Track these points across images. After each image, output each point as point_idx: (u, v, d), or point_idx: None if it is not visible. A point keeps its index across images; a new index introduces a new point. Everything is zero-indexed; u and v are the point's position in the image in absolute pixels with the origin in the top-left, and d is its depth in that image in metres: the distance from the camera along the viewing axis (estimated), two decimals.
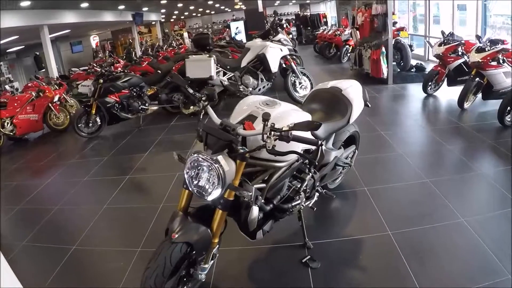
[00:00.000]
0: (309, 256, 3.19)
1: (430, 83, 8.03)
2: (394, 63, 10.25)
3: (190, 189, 2.56)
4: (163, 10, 24.98)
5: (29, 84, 10.90)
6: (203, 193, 2.48)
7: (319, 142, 2.35)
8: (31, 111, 8.69)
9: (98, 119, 8.08)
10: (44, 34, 11.91)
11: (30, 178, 6.49)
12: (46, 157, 7.43)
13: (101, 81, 7.86)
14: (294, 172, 3.02)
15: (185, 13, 31.49)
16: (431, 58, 10.84)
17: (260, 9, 16.61)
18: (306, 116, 2.96)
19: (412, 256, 3.12)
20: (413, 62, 10.78)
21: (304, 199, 3.11)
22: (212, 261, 2.76)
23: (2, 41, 12.75)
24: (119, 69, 10.82)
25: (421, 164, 4.95)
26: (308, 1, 33.10)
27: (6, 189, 6.14)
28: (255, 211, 2.58)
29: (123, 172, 5.81)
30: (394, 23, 10.69)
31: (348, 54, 13.22)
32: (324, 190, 3.71)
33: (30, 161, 7.57)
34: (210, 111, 2.90)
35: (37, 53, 18.08)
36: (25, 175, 6.72)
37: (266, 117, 2.32)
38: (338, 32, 14.65)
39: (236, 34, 20.50)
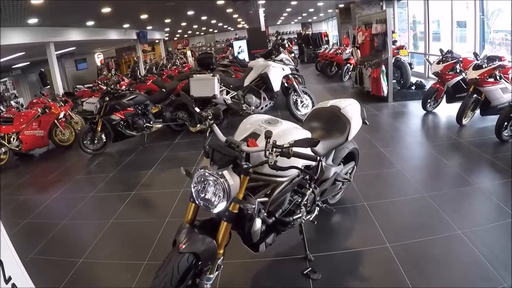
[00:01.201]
0: (310, 268, 3.30)
1: (429, 100, 8.17)
2: (394, 81, 10.42)
3: (197, 202, 2.68)
4: (167, 29, 25.23)
5: (34, 100, 11.02)
6: (209, 206, 2.61)
7: (318, 158, 2.49)
8: (37, 127, 8.82)
9: (103, 136, 8.21)
10: (50, 51, 12.11)
11: (37, 193, 6.61)
12: (52, 173, 7.55)
13: (107, 98, 8.01)
14: (295, 187, 3.16)
15: (188, 31, 31.73)
16: (431, 76, 10.97)
17: (263, 28, 16.80)
18: (306, 134, 3.10)
19: (410, 267, 3.22)
20: (413, 79, 10.95)
21: (305, 213, 3.24)
22: (217, 272, 2.85)
23: (9, 57, 12.92)
24: (124, 87, 10.98)
25: (419, 179, 5.08)
26: (310, 20, 33.40)
27: (13, 203, 6.25)
28: (258, 223, 2.70)
29: (128, 188, 5.93)
30: (394, 42, 10.87)
31: (349, 73, 13.36)
32: (325, 205, 3.81)
33: (36, 176, 7.69)
34: (216, 129, 3.04)
35: (42, 70, 18.29)
36: (32, 189, 6.85)
37: (268, 134, 2.46)
38: (339, 51, 14.83)
39: (239, 53, 20.75)
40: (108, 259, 4.06)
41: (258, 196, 2.79)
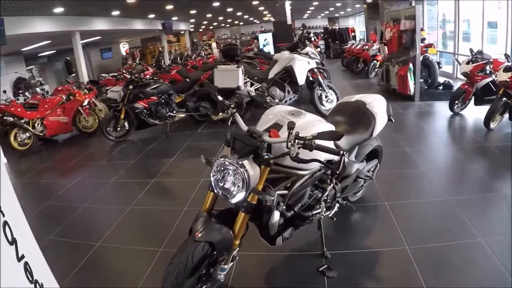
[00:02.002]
0: (326, 265, 3.23)
1: (456, 102, 7.88)
2: (422, 80, 10.18)
3: (216, 191, 2.66)
4: (192, 20, 25.31)
5: (59, 88, 11.16)
6: (228, 195, 2.57)
7: (341, 152, 2.42)
8: (61, 113, 8.95)
9: (126, 124, 8.26)
10: (76, 40, 12.22)
11: (59, 177, 6.70)
12: (75, 158, 7.64)
13: (131, 87, 8.06)
14: (316, 182, 3.09)
15: (213, 23, 31.81)
16: (459, 76, 10.67)
17: (289, 21, 16.69)
18: (330, 127, 3.01)
19: (427, 272, 3.12)
20: (441, 79, 10.69)
21: (324, 209, 3.18)
22: (232, 263, 2.84)
23: (35, 46, 13.08)
24: (148, 76, 11.04)
25: (443, 181, 4.92)
26: (336, 15, 33.15)
27: (35, 186, 6.37)
28: (276, 215, 2.66)
29: (149, 175, 5.94)
30: (423, 40, 10.63)
31: (376, 70, 13.14)
32: (345, 202, 3.74)
33: (59, 160, 7.80)
34: (238, 118, 3.00)
35: (68, 58, 18.53)
36: (54, 173, 6.95)
37: (291, 125, 2.41)
38: (366, 47, 14.62)
39: (264, 45, 20.66)
40: (124, 244, 4.08)
41: (277, 188, 2.73)
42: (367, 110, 3.63)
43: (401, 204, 4.28)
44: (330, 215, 3.41)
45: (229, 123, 3.00)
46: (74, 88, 9.77)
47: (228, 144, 2.70)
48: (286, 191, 2.78)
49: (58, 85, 14.82)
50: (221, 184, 2.60)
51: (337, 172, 3.27)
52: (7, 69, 13.55)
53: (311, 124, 2.90)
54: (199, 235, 2.53)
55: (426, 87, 10.47)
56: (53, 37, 12.20)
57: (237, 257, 2.89)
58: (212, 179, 2.64)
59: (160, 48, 23.60)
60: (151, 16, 17.47)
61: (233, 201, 2.56)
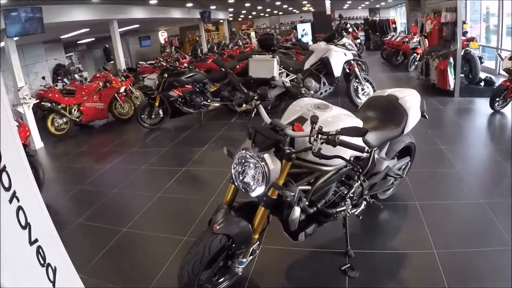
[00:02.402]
0: (348, 264, 3.12)
1: (498, 99, 7.47)
2: (462, 75, 9.78)
3: (236, 184, 2.61)
4: (230, 9, 25.22)
5: (98, 75, 11.35)
6: (248, 189, 2.52)
7: (369, 149, 2.30)
8: (97, 100, 9.11)
9: (160, 112, 8.31)
10: (114, 28, 12.32)
11: (92, 162, 6.82)
12: (109, 144, 7.77)
13: (166, 75, 8.10)
14: (343, 178, 2.98)
15: (252, 12, 31.66)
16: (502, 73, 10.21)
17: (328, 12, 16.48)
18: (357, 123, 2.91)
19: (453, 278, 2.94)
20: (482, 75, 10.19)
21: (350, 206, 3.07)
22: (251, 257, 2.80)
23: (74, 33, 13.28)
24: (185, 65, 11.08)
25: (478, 183, 4.60)
26: (377, 6, 32.49)
27: (70, 170, 6.54)
28: (296, 211, 2.58)
29: (180, 163, 5.95)
30: (465, 33, 10.24)
31: (416, 63, 12.78)
32: (372, 200, 3.56)
33: (94, 146, 7.96)
34: (262, 110, 2.90)
35: (107, 46, 18.80)
36: (88, 158, 7.09)
37: (314, 119, 2.33)
38: (407, 39, 14.26)
39: (302, 36, 20.46)
40: (150, 231, 4.12)
41: (300, 184, 2.65)
42: (399, 105, 3.46)
43: (432, 205, 4.07)
44: (356, 213, 3.30)
45: (252, 115, 2.92)
46: (111, 75, 9.88)
47: (250, 136, 2.65)
48: (309, 187, 2.69)
49: (96, 72, 15.08)
50: (241, 177, 2.56)
51: (366, 169, 3.17)
52: (46, 55, 13.86)
53: (337, 118, 2.80)
54: (218, 227, 2.51)
55: (467, 82, 10.00)
56: (91, 25, 12.35)
57: (258, 251, 2.85)
58: (233, 171, 2.60)
59: (196, 37, 23.71)
60: (189, 5, 17.46)
61: (253, 194, 2.50)
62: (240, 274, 2.78)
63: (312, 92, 8.05)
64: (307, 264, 3.33)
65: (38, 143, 8.20)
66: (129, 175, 5.81)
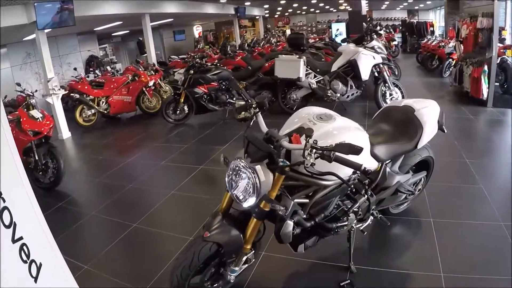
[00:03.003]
0: (348, 281, 3.00)
1: None
2: (497, 84, 9.43)
3: (230, 193, 2.57)
4: (266, 6, 25.13)
5: (130, 67, 11.51)
6: (240, 199, 2.49)
7: (363, 167, 2.17)
8: (125, 93, 9.25)
9: (186, 108, 8.37)
10: (146, 22, 12.39)
11: (115, 155, 6.97)
12: (133, 137, 7.91)
13: (192, 71, 8.13)
14: (347, 191, 2.85)
15: (289, 10, 31.51)
16: None
17: (364, 12, 16.26)
18: (361, 137, 2.78)
19: None
20: None
21: (354, 221, 2.93)
22: (246, 265, 2.79)
23: (106, 26, 13.46)
24: (216, 62, 11.12)
25: (501, 203, 4.15)
26: (416, 8, 31.88)
27: (92, 162, 6.73)
28: (288, 226, 2.50)
29: (198, 161, 5.97)
30: (503, 40, 9.94)
31: (450, 69, 12.46)
32: (380, 216, 3.33)
33: (118, 139, 8.13)
34: (260, 118, 2.82)
35: (140, 38, 18.99)
36: (111, 151, 7.25)
37: (308, 133, 2.29)
38: (443, 44, 13.91)
39: (336, 35, 20.25)
40: (158, 228, 4.15)
41: (297, 197, 2.58)
42: (415, 117, 3.26)
43: (447, 223, 3.83)
44: (362, 228, 3.15)
45: (251, 123, 2.83)
46: (141, 69, 10.00)
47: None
48: (306, 200, 2.62)
49: (129, 64, 15.31)
50: (235, 186, 2.52)
51: (374, 183, 3.05)
52: (80, 47, 14.13)
53: (338, 131, 2.66)
54: (208, 235, 2.51)
55: (501, 92, 9.63)
56: (124, 19, 12.47)
57: (253, 260, 2.83)
58: (227, 179, 2.57)
59: (226, 35, 23.75)
60: (223, 0, 17.51)
61: (245, 205, 2.47)
62: (232, 281, 2.76)
63: (338, 95, 7.94)
64: (306, 275, 3.26)
65: (65, 133, 8.42)
66: (148, 170, 5.90)
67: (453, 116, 7.39)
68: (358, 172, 2.70)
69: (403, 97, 7.69)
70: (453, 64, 11.96)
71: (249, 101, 2.66)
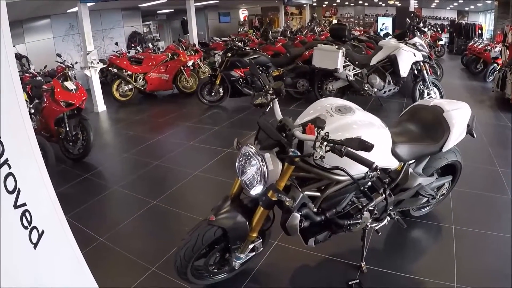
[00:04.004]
0: (357, 280, 2.91)
1: None
2: None
3: (240, 178, 2.51)
4: None
5: (170, 46, 11.57)
6: (248, 185, 2.42)
7: (375, 165, 2.01)
8: (163, 71, 9.32)
9: (221, 90, 8.37)
10: (189, 2, 12.42)
11: (146, 131, 7.02)
12: (166, 115, 7.98)
13: (229, 54, 8.11)
14: (365, 188, 2.68)
15: (337, 0, 31.14)
16: None
17: (411, 8, 15.87)
18: (382, 133, 2.65)
19: None
20: None
21: (369, 220, 2.82)
22: (253, 253, 2.76)
23: (150, 3, 13.50)
24: (256, 46, 11.07)
25: None
26: (466, 9, 30.92)
27: (122, 137, 6.85)
28: (295, 218, 2.43)
29: (226, 144, 5.93)
30: None
31: (494, 74, 12.02)
32: (397, 217, 3.17)
33: (152, 116, 8.20)
34: (276, 105, 2.71)
35: (185, 18, 19.00)
36: (143, 127, 7.30)
37: (320, 124, 2.18)
38: (489, 47, 13.46)
39: (381, 30, 19.86)
40: (177, 207, 4.17)
41: (307, 189, 2.49)
42: (443, 119, 3.10)
43: (469, 232, 3.64)
44: (377, 227, 3.03)
45: (267, 110, 2.72)
46: (181, 48, 10.04)
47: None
48: (318, 193, 2.53)
49: (172, 43, 15.41)
50: (244, 172, 2.46)
51: (394, 183, 2.92)
52: (124, 22, 14.25)
53: (356, 125, 2.52)
54: (214, 218, 2.49)
55: None
56: None
57: (261, 249, 2.79)
58: (237, 165, 2.51)
59: (268, 20, 23.60)
60: None
61: (252, 193, 2.40)
62: (237, 268, 2.75)
63: (375, 89, 7.76)
64: (316, 270, 3.19)
65: (101, 106, 8.57)
66: (175, 149, 5.94)
67: (490, 122, 7.12)
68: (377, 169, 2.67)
69: (441, 97, 7.42)
70: (497, 69, 11.53)
71: (267, 87, 2.55)
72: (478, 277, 3.03)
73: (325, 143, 2.05)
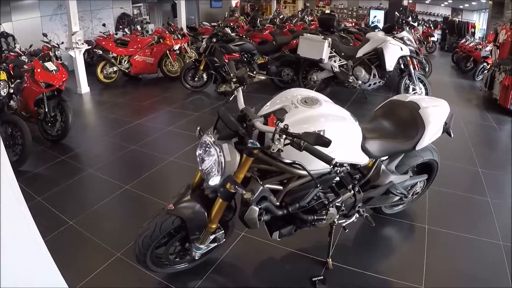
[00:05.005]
0: (322, 277, 2.86)
1: None
2: None
3: (200, 168, 2.46)
4: None
5: (157, 29, 11.47)
6: (207, 176, 2.38)
7: (334, 161, 1.94)
8: (148, 54, 9.23)
9: (204, 76, 8.31)
10: None
11: (126, 115, 6.95)
12: (149, 99, 7.95)
13: (214, 40, 8.03)
14: (332, 184, 2.66)
15: None
16: None
17: (405, 3, 15.82)
18: (350, 128, 2.57)
19: None
20: None
21: (336, 216, 2.77)
22: (215, 244, 2.74)
23: None
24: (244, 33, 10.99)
25: (505, 222, 3.79)
26: (461, 7, 30.92)
27: (103, 120, 6.80)
28: (253, 211, 2.38)
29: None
30: None
31: (484, 73, 12.02)
32: (366, 214, 3.07)
33: (134, 99, 8.13)
34: (239, 94, 2.67)
35: (175, 1, 18.94)
36: (124, 111, 7.24)
37: (280, 116, 2.14)
38: (480, 46, 13.47)
39: (373, 22, 19.84)
40: (148, 193, 4.13)
41: (269, 182, 2.44)
42: (418, 116, 3.02)
43: (443, 233, 3.56)
44: (344, 224, 2.96)
45: (231, 98, 2.72)
46: (167, 32, 9.95)
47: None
48: (280, 187, 2.48)
49: (162, 26, 15.28)
50: (203, 161, 2.41)
51: (363, 180, 2.88)
52: (113, 3, 14.09)
53: (320, 119, 2.42)
54: (172, 207, 2.46)
55: None
56: None
57: (223, 240, 2.77)
58: (197, 154, 2.46)
59: (257, 7, 23.43)
60: None
61: (210, 183, 2.36)
62: (197, 259, 2.74)
63: (360, 82, 7.73)
64: (281, 263, 3.16)
65: (84, 87, 8.49)
66: (154, 133, 5.91)
67: (476, 121, 7.17)
68: (346, 164, 2.65)
69: (427, 93, 7.41)
70: (486, 69, 11.54)
71: (231, 75, 2.49)
72: (446, 278, 3.01)
73: (284, 136, 2.00)
